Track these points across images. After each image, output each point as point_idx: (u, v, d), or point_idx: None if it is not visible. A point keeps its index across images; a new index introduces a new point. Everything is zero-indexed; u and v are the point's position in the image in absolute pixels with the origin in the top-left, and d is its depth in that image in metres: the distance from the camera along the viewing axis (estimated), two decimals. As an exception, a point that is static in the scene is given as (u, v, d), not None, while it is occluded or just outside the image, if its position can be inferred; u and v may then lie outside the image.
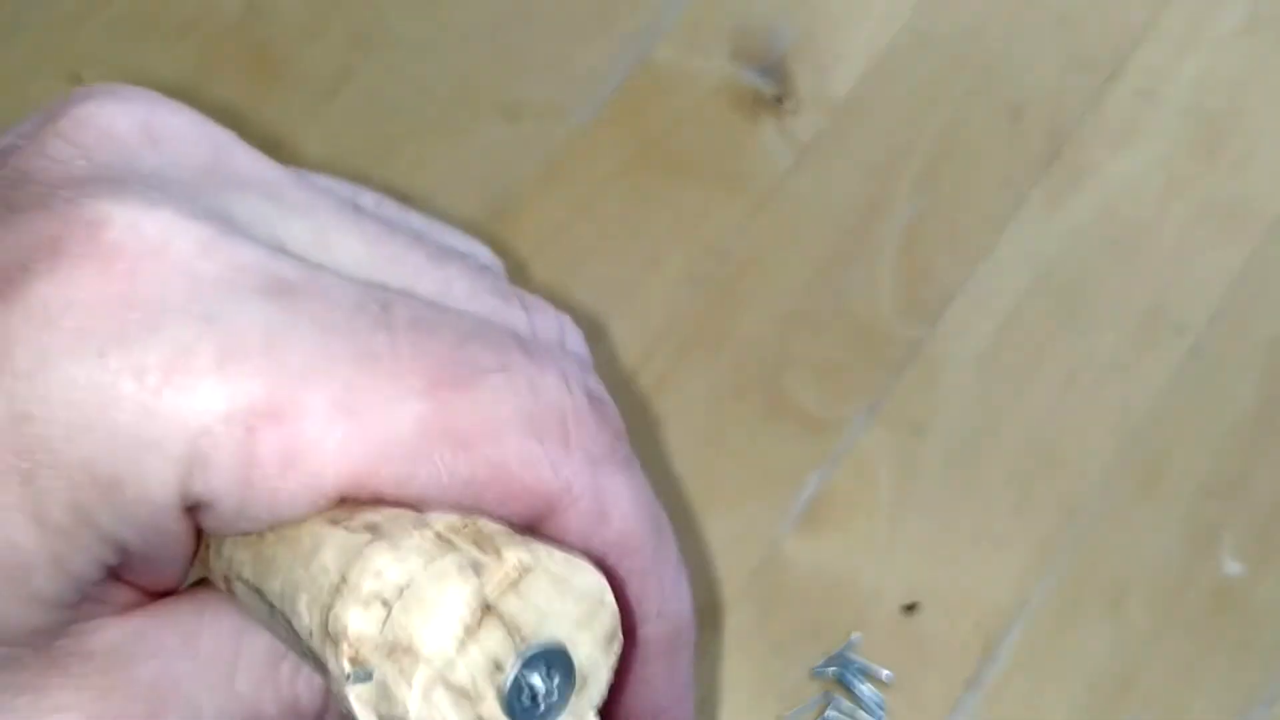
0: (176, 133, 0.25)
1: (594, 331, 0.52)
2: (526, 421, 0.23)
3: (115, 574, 0.23)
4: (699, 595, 0.48)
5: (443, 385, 0.23)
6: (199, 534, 0.24)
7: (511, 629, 0.20)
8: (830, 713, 0.47)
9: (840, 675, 0.47)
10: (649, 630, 0.27)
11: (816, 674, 0.48)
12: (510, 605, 0.20)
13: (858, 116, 0.55)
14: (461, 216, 0.55)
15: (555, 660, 0.21)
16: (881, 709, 0.47)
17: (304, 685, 0.24)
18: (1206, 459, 0.50)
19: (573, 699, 0.21)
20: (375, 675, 0.20)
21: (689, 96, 0.56)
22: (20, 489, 0.21)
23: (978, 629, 0.48)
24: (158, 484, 0.22)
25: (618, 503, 0.25)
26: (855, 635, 0.48)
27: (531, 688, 0.21)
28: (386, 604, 0.20)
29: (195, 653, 0.23)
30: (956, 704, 0.47)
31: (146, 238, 0.21)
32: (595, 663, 0.22)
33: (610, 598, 0.22)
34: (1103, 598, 0.48)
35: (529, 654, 0.20)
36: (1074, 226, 0.53)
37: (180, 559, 0.24)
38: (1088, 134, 0.55)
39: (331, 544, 0.21)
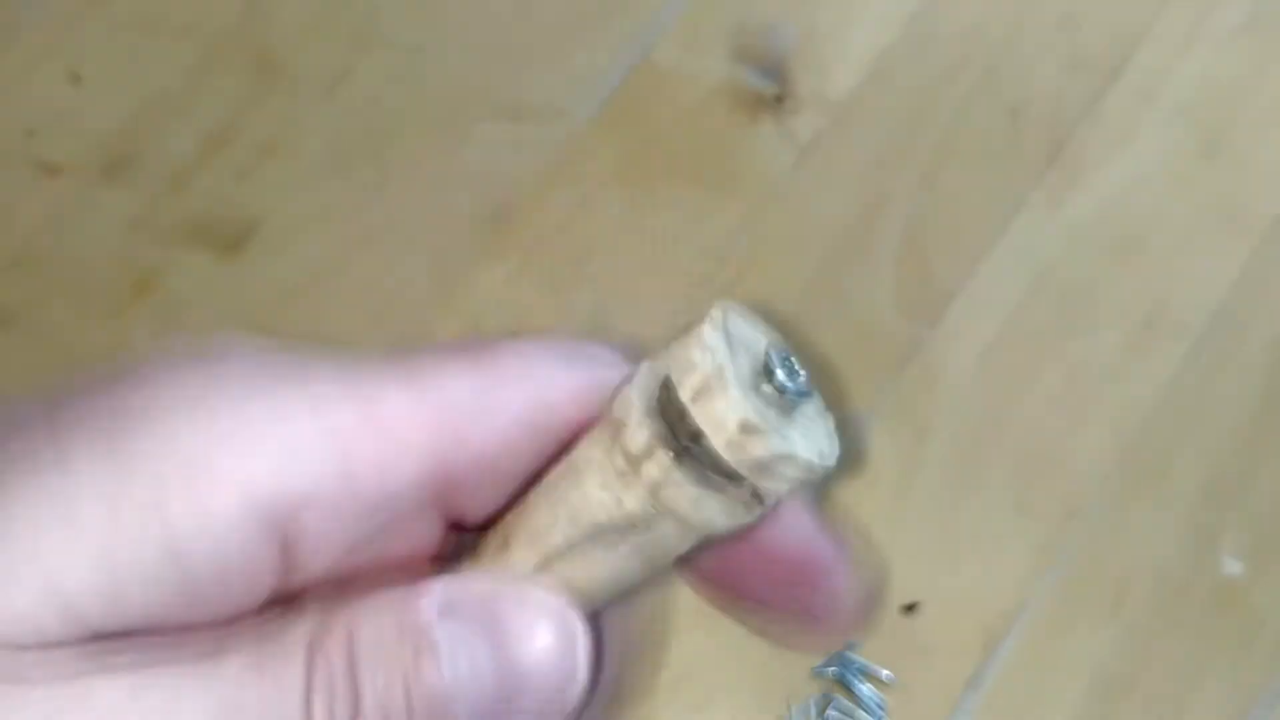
0: None
1: (594, 331, 0.52)
2: None
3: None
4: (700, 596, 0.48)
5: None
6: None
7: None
8: (831, 712, 0.47)
9: (840, 675, 0.47)
10: None
11: (817, 674, 0.48)
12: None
13: (858, 116, 0.55)
14: (461, 216, 0.55)
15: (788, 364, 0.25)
16: (882, 709, 0.47)
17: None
18: (1207, 459, 0.50)
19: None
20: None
21: (689, 96, 0.56)
22: None
23: (978, 629, 0.48)
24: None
25: None
26: (855, 635, 0.48)
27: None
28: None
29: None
30: (956, 704, 0.47)
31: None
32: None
33: None
34: (1103, 598, 0.48)
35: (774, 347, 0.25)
36: (1074, 226, 0.53)
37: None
38: (1087, 134, 0.55)
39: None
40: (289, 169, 0.55)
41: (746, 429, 0.23)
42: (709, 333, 0.24)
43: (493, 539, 0.25)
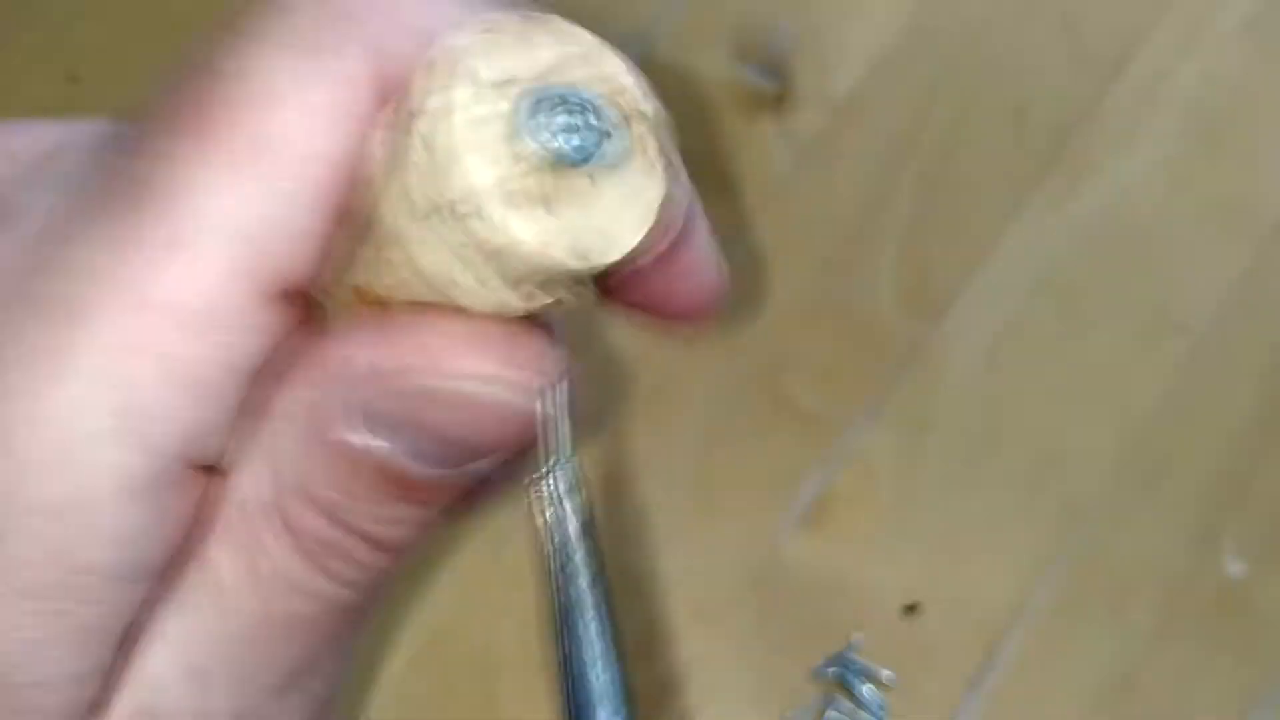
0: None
1: (594, 331, 0.52)
2: None
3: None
4: (699, 596, 0.48)
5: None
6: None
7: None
8: (831, 713, 0.47)
9: (841, 676, 0.47)
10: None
11: (817, 675, 0.48)
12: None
13: (858, 116, 0.55)
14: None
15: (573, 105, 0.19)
16: (882, 710, 0.47)
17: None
18: (1209, 459, 0.50)
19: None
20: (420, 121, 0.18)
21: (689, 96, 0.56)
22: None
23: (979, 630, 0.48)
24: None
25: None
26: (856, 636, 0.48)
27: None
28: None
29: None
30: (958, 705, 0.47)
31: None
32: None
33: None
34: (1105, 598, 0.48)
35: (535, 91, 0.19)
36: (1076, 226, 0.53)
37: None
38: (1089, 134, 0.55)
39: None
40: (288, 169, 0.55)
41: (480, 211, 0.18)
42: (445, 69, 0.18)
43: (342, 303, 0.21)
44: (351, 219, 0.20)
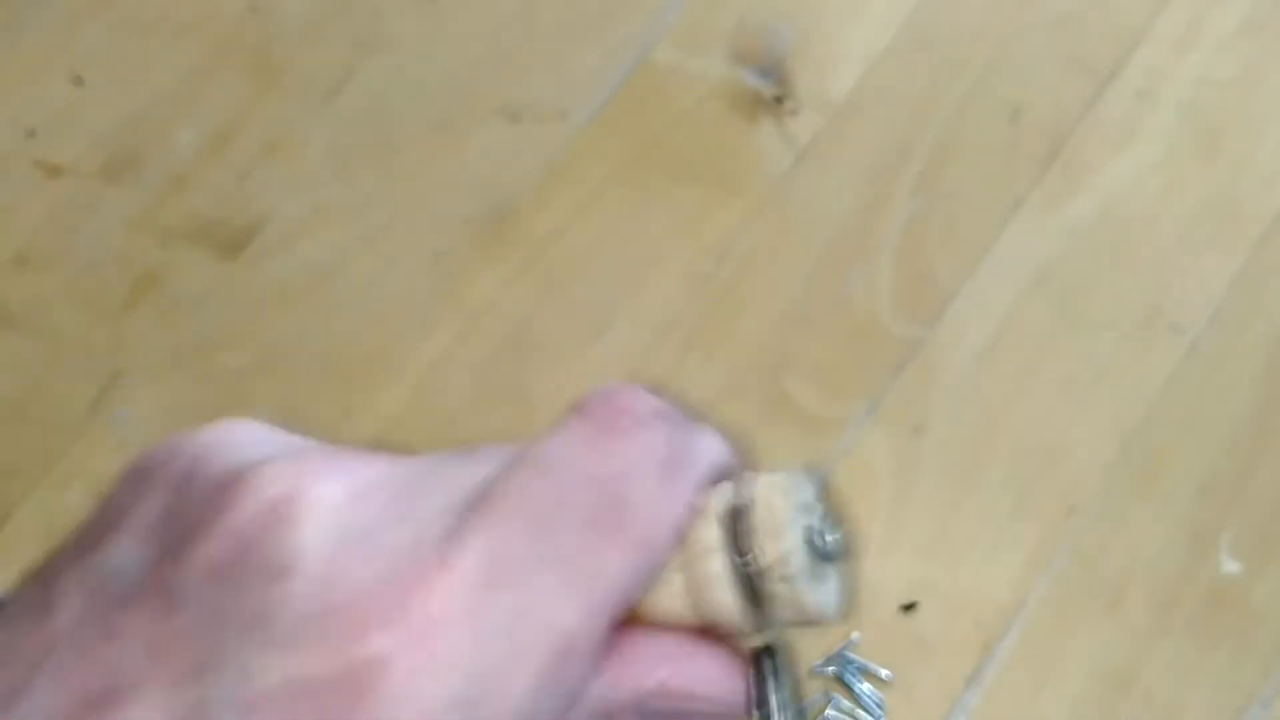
0: (369, 483, 0.29)
1: (594, 332, 0.52)
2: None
3: None
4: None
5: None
6: None
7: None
8: (830, 711, 0.47)
9: (840, 674, 0.48)
10: None
11: (816, 672, 0.48)
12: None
13: (857, 117, 0.55)
14: (461, 217, 0.55)
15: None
16: (881, 707, 0.47)
17: None
18: (1204, 458, 0.50)
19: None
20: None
21: (689, 97, 0.56)
22: None
23: (977, 628, 0.48)
24: None
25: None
26: (855, 634, 0.48)
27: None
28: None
29: None
30: (955, 702, 0.47)
31: (411, 617, 0.26)
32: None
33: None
34: (1101, 596, 0.49)
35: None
36: (1073, 227, 0.54)
37: None
38: (1086, 135, 0.55)
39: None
40: (290, 170, 0.55)
41: (794, 574, 0.28)
42: (782, 491, 0.29)
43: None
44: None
